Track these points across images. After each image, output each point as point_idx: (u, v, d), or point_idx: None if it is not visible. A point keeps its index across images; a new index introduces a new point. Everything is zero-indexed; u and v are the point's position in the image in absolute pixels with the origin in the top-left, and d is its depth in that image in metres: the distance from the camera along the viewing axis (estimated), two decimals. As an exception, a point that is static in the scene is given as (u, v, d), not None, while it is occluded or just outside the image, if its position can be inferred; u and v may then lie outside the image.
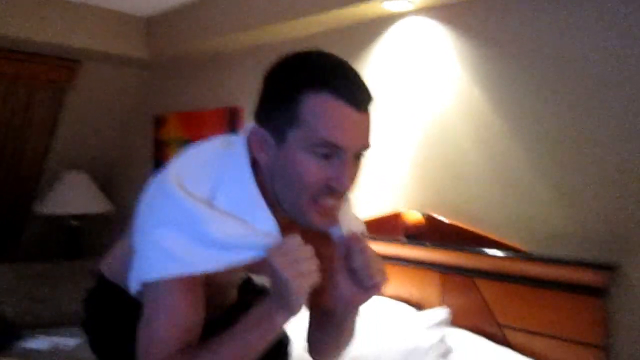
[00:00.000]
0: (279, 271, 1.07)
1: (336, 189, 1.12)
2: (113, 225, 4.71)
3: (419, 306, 2.58)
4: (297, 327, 1.49)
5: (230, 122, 3.82)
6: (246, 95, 3.69)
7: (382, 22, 2.94)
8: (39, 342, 3.46)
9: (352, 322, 1.35)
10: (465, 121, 2.58)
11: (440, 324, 2.36)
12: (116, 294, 1.43)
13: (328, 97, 1.08)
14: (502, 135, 2.45)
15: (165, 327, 1.14)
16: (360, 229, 1.37)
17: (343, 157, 1.10)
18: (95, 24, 3.93)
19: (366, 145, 1.16)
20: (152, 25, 4.16)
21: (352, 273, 1.19)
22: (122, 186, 4.90)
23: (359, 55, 3.00)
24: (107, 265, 1.53)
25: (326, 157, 1.10)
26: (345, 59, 1.16)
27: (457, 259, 2.47)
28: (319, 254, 1.12)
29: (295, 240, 1.11)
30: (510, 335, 2.30)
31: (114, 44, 4.05)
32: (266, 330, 1.15)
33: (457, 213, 2.58)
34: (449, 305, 2.45)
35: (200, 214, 1.11)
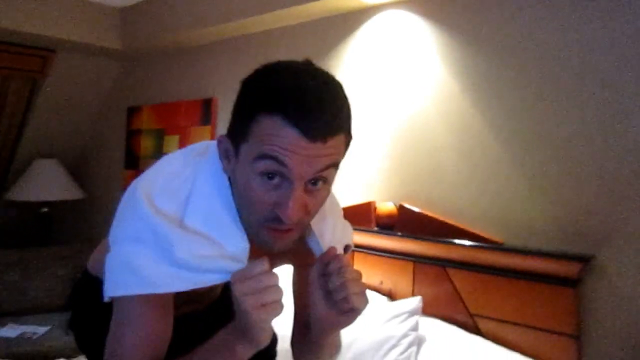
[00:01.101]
0: (239, 300, 0.99)
1: (280, 219, 1.02)
2: (84, 213, 4.64)
3: (391, 296, 2.54)
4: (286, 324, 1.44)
5: (204, 113, 3.76)
6: (221, 86, 3.65)
7: (360, 15, 2.89)
8: (8, 330, 3.40)
9: (333, 341, 1.28)
10: (442, 114, 2.54)
11: (412, 313, 2.30)
12: (100, 291, 1.34)
13: (280, 121, 0.98)
14: (479, 129, 2.42)
15: (132, 344, 1.09)
16: (345, 241, 1.31)
17: (290, 183, 1.00)
18: (70, 13, 3.86)
19: (320, 172, 1.02)
20: (126, 15, 4.09)
21: (329, 294, 1.10)
22: (93, 173, 4.82)
23: (336, 48, 2.95)
24: (93, 261, 1.48)
25: (269, 177, 1.01)
26: (325, 80, 1.06)
27: (429, 249, 2.43)
28: (304, 265, 1.07)
29: (261, 266, 1.00)
30: (482, 324, 2.27)
31: (88, 34, 3.99)
32: (228, 358, 1.07)
33: (432, 205, 2.54)
34: (420, 295, 2.40)
35: (168, 234, 1.04)
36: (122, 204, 1.14)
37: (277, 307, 1.00)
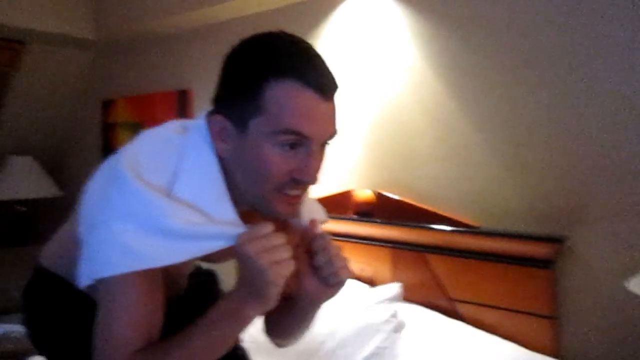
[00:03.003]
0: (254, 260, 1.00)
1: (302, 181, 1.08)
2: (61, 210, 4.62)
3: (371, 282, 2.60)
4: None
5: (180, 105, 3.78)
6: (196, 77, 3.67)
7: (333, 0, 2.92)
8: None
9: (313, 315, 1.31)
10: (417, 100, 2.60)
11: (392, 299, 2.38)
12: (59, 287, 1.33)
13: (293, 84, 1.03)
14: (453, 114, 2.47)
15: (126, 325, 1.06)
16: (321, 215, 1.34)
17: (309, 147, 1.06)
18: (40, 2, 3.79)
19: (333, 134, 1.11)
20: (99, 4, 4.05)
21: (315, 269, 1.17)
22: (70, 170, 4.81)
23: (310, 33, 2.98)
24: (48, 256, 1.43)
25: (291, 146, 1.05)
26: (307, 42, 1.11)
27: (407, 234, 2.50)
28: None
29: (267, 227, 1.04)
30: (462, 308, 2.34)
31: (60, 24, 3.92)
32: (234, 324, 1.08)
33: (409, 191, 2.60)
34: (400, 281, 2.47)
35: (160, 205, 1.04)
36: (103, 182, 1.13)
37: (290, 264, 1.03)
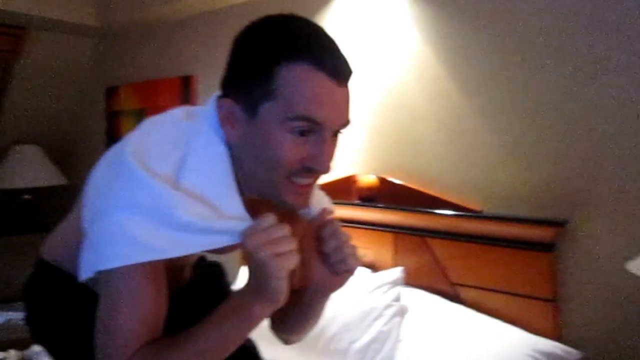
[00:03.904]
0: (255, 252, 0.99)
1: (314, 169, 1.05)
2: (67, 199, 4.66)
3: (373, 267, 2.64)
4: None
5: (183, 91, 3.81)
6: (200, 62, 3.69)
7: (336, -15, 2.94)
8: None
9: (322, 307, 1.28)
10: (420, 85, 2.62)
11: (394, 284, 2.42)
12: (61, 281, 1.31)
13: (306, 67, 1.00)
14: (457, 99, 2.50)
15: (129, 319, 1.03)
16: (328, 206, 1.31)
17: (322, 135, 1.03)
18: None
19: (347, 122, 1.08)
20: None
21: (324, 257, 1.15)
22: (75, 159, 4.86)
23: (313, 18, 2.89)
24: (49, 249, 1.40)
25: (303, 133, 1.02)
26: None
27: (409, 219, 2.53)
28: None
29: (270, 219, 1.01)
30: (463, 292, 2.37)
31: (62, 10, 3.93)
32: (242, 322, 1.05)
33: (412, 176, 2.63)
34: (402, 266, 2.51)
35: (167, 195, 1.01)
36: (106, 172, 1.11)
37: (292, 256, 1.01)
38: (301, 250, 1.05)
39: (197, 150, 1.08)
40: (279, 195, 1.08)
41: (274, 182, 1.06)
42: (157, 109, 3.97)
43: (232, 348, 1.07)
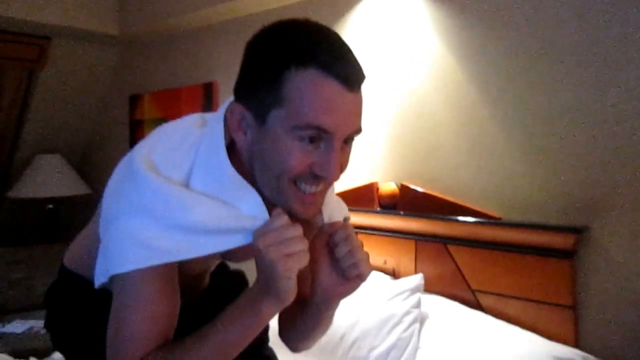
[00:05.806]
0: (263, 252, 1.00)
1: (321, 177, 1.05)
2: (90, 208, 4.73)
3: (394, 274, 2.71)
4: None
5: (205, 98, 3.89)
6: (221, 69, 3.78)
7: (356, -8, 3.01)
8: (15, 326, 3.57)
9: (331, 314, 1.28)
10: (440, 92, 2.69)
11: (414, 290, 2.47)
12: (81, 288, 1.33)
13: (316, 73, 1.00)
14: (476, 106, 2.56)
15: (141, 323, 1.06)
16: (344, 213, 1.32)
17: (331, 143, 1.03)
18: None
19: (357, 130, 1.08)
20: (123, 0, 4.19)
21: (335, 262, 1.15)
22: (98, 168, 4.96)
23: (334, 26, 3.01)
24: (71, 256, 1.45)
25: (311, 140, 1.02)
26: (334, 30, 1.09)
27: (430, 226, 2.59)
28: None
29: (281, 219, 1.04)
30: (483, 299, 2.43)
31: (85, 20, 4.04)
32: (251, 322, 1.08)
33: (432, 183, 2.70)
34: (423, 273, 2.57)
35: (179, 198, 1.04)
36: (118, 179, 1.14)
37: (303, 257, 1.03)
38: (311, 253, 1.08)
39: (207, 158, 1.10)
40: (287, 203, 1.08)
41: (281, 189, 1.07)
42: (179, 117, 4.09)
43: (242, 346, 1.11)
